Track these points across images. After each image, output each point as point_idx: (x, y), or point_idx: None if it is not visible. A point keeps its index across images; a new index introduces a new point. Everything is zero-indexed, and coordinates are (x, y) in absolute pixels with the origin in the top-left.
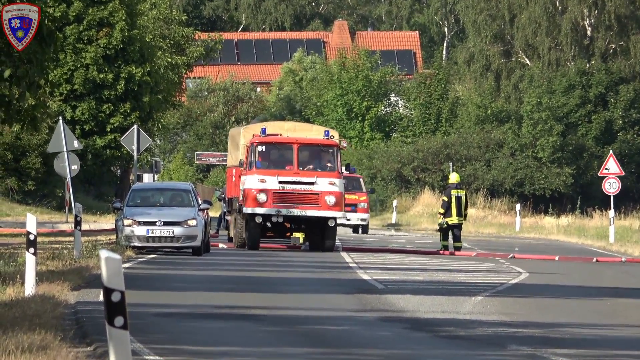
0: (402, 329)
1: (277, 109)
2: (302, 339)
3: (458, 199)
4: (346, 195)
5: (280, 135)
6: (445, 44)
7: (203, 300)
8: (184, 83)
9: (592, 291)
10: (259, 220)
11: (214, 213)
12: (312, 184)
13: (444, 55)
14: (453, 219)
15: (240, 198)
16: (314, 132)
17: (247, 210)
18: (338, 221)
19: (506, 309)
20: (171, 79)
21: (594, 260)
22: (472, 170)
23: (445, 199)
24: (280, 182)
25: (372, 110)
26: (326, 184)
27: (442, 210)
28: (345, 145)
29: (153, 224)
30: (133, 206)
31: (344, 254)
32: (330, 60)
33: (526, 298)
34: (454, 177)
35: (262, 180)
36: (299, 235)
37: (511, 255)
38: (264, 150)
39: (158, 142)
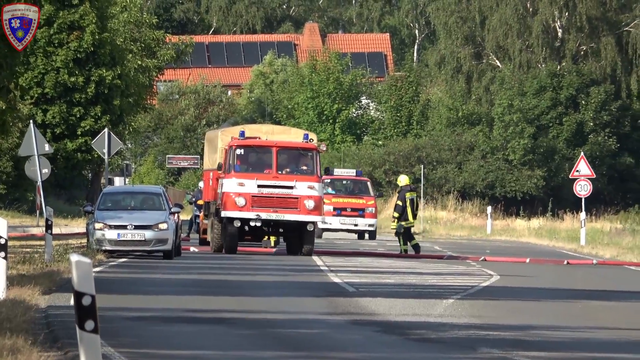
0: (373, 332)
1: (248, 111)
2: (274, 342)
3: (412, 201)
4: (352, 200)
5: (259, 138)
6: (416, 46)
7: (174, 304)
8: (154, 86)
9: (563, 293)
10: (237, 224)
11: (185, 216)
12: (291, 187)
13: (414, 58)
14: (410, 222)
15: (219, 201)
16: (292, 135)
17: (226, 214)
18: (340, 226)
19: (477, 311)
20: (142, 82)
21: (565, 262)
22: (443, 173)
23: (400, 203)
24: (259, 186)
25: (343, 113)
26: (305, 188)
27: (396, 215)
28: (324, 148)
29: (124, 227)
30: (104, 210)
31: (315, 257)
32: (301, 63)
33: (497, 300)
34: (404, 180)
35: (241, 184)
36: (271, 239)
37: (482, 257)
38: (242, 153)
39: (129, 145)
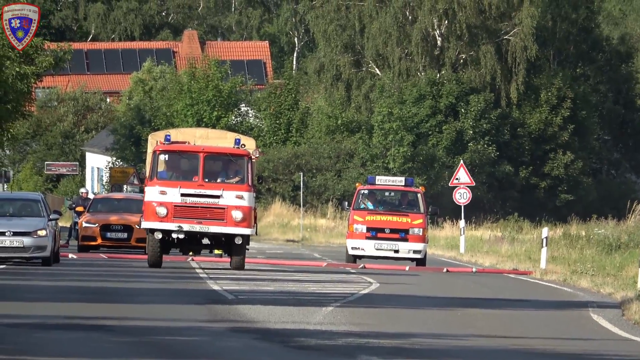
0: (252, 340)
1: (127, 119)
2: (152, 349)
3: None
4: (393, 218)
5: (188, 143)
6: (295, 54)
7: (53, 311)
8: (33, 93)
9: (442, 301)
10: (158, 235)
11: (64, 223)
12: (217, 197)
13: (294, 66)
14: None
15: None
16: (228, 140)
17: (146, 224)
18: (376, 253)
19: (357, 319)
20: (20, 89)
21: (445, 270)
22: (322, 181)
23: None
24: (182, 195)
25: (223, 120)
26: (233, 198)
27: None
28: (258, 155)
29: (2, 234)
30: None
31: (194, 264)
32: (180, 70)
33: (377, 308)
34: None
35: (163, 192)
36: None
37: (362, 265)
38: (167, 159)
39: (7, 152)
